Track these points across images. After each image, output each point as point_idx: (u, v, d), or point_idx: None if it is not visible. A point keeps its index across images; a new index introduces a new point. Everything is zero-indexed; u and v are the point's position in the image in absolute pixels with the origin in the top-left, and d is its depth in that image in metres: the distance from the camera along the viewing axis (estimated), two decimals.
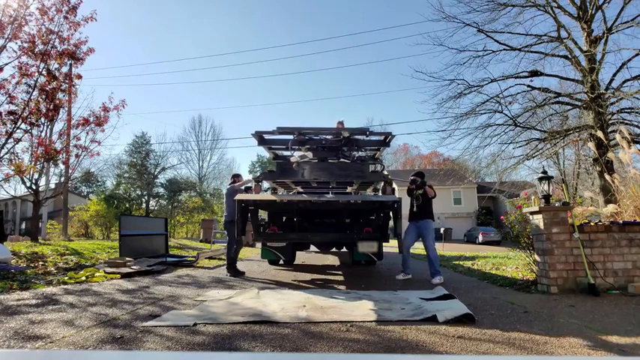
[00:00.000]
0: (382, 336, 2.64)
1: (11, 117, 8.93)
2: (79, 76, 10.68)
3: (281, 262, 7.44)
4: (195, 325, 2.86)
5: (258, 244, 8.89)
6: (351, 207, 5.95)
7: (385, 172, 6.03)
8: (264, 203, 5.98)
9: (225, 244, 6.70)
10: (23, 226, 34.53)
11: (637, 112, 10.38)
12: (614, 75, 10.58)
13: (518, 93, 11.37)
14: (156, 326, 2.82)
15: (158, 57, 64.90)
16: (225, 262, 6.34)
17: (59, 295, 4.08)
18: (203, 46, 65.88)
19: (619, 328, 2.81)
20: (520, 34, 11.18)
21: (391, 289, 4.70)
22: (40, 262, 6.54)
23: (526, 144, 11.57)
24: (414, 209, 5.80)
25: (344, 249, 8.07)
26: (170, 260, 7.89)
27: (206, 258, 8.85)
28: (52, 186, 16.31)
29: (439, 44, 11.45)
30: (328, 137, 5.66)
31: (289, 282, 5.51)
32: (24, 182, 10.26)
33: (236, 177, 6.83)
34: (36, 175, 10.44)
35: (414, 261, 9.69)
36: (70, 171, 12.80)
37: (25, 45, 9.00)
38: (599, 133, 8.06)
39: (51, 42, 9.34)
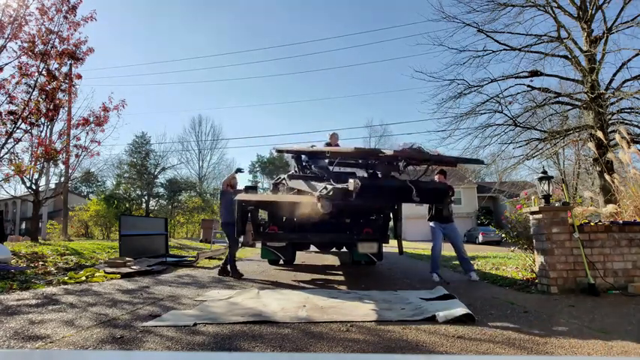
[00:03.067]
0: (382, 336, 2.64)
1: (11, 117, 8.94)
2: (79, 76, 10.70)
3: (281, 262, 7.44)
4: (195, 325, 2.86)
5: (258, 244, 8.89)
6: (351, 207, 5.94)
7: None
8: (265, 203, 5.97)
9: (227, 245, 6.56)
10: (23, 226, 34.54)
11: (637, 112, 10.37)
12: (614, 75, 10.57)
13: (518, 93, 11.36)
14: (156, 326, 2.82)
15: (158, 57, 64.94)
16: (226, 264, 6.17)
17: (59, 295, 4.08)
18: (203, 47, 65.84)
19: (619, 328, 2.82)
20: (520, 34, 11.17)
21: (391, 289, 4.71)
22: (40, 262, 6.54)
23: (526, 144, 11.55)
24: (442, 211, 5.74)
25: (344, 249, 8.07)
26: (170, 260, 7.89)
27: (206, 258, 8.86)
28: (52, 186, 16.33)
29: (439, 44, 11.43)
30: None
31: (289, 282, 5.51)
32: (24, 182, 10.27)
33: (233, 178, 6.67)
34: (36, 175, 10.45)
35: (414, 261, 9.70)
36: (70, 171, 12.81)
37: (25, 45, 9.00)
38: (599, 133, 8.06)
39: (51, 42, 9.35)
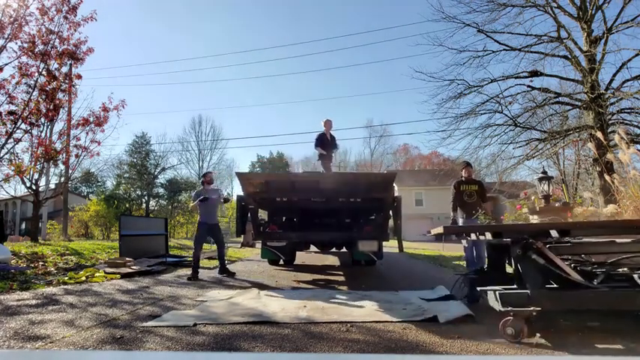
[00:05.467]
0: (382, 336, 2.64)
1: (11, 117, 8.93)
2: (79, 76, 10.68)
3: (281, 262, 7.44)
4: (195, 325, 2.86)
5: (258, 245, 8.89)
6: (351, 204, 5.95)
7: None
8: (265, 199, 5.98)
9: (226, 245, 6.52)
10: (23, 226, 34.49)
11: (637, 112, 10.37)
12: (614, 75, 10.56)
13: (518, 93, 11.36)
14: (156, 326, 2.82)
15: (158, 57, 64.87)
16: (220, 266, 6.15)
17: (59, 296, 4.08)
18: (204, 46, 65.85)
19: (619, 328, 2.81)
20: (520, 34, 11.17)
21: (392, 290, 4.70)
22: (40, 263, 6.54)
23: (526, 144, 11.55)
24: (469, 205, 5.41)
25: (344, 249, 8.08)
26: (170, 260, 7.89)
27: (206, 258, 8.85)
28: (52, 186, 16.27)
29: (439, 44, 11.43)
30: None
31: (290, 282, 5.51)
32: (24, 182, 10.25)
33: (205, 176, 6.47)
34: (36, 175, 10.43)
35: (414, 261, 9.69)
36: (70, 171, 12.79)
37: (25, 45, 9.01)
38: (599, 134, 8.03)
39: (51, 42, 9.35)
